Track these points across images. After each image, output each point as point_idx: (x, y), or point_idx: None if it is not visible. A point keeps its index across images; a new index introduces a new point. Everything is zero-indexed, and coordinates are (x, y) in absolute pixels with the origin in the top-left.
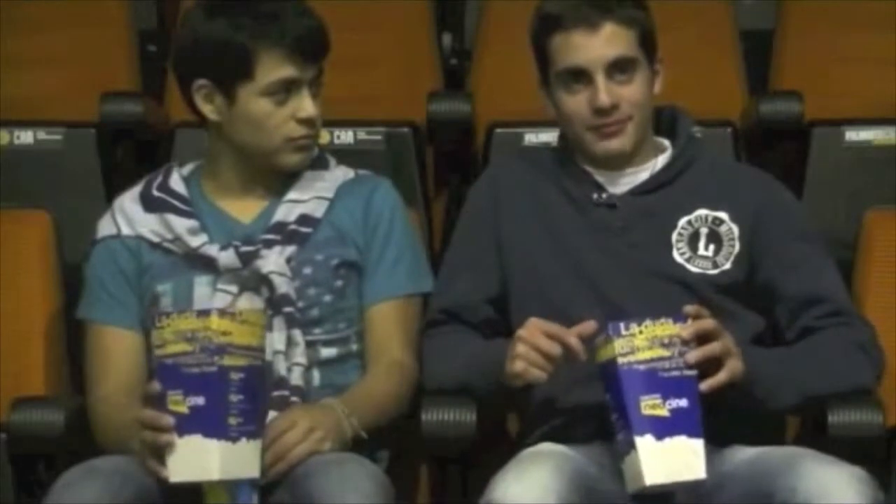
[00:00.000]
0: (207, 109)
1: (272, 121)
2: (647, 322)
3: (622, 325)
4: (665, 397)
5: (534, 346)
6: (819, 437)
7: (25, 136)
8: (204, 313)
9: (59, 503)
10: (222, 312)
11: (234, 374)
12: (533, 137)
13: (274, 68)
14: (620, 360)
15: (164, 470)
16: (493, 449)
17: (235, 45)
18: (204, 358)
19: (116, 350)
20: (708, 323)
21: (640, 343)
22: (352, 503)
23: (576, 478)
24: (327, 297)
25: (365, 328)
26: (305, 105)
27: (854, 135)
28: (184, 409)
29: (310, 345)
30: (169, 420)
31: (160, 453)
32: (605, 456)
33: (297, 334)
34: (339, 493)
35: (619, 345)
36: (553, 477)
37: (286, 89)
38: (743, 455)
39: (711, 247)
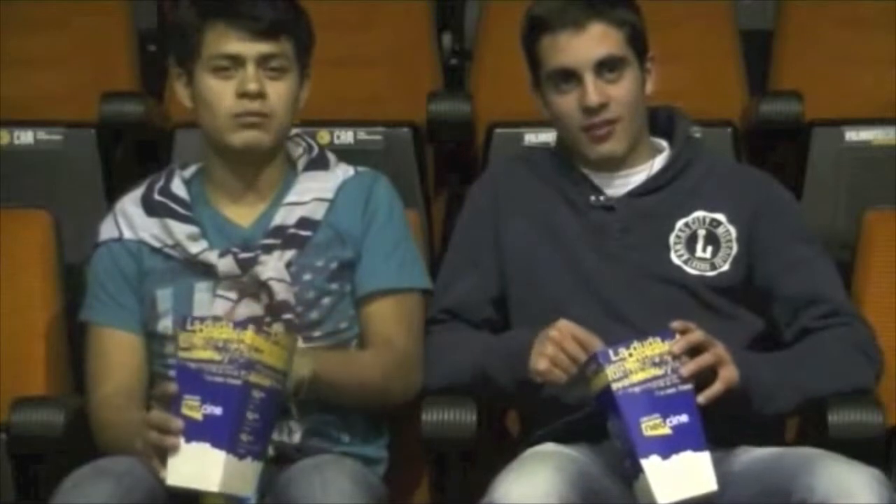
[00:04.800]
0: (183, 95)
1: (217, 96)
2: (635, 344)
3: (610, 351)
4: (665, 416)
5: (562, 348)
6: (819, 438)
7: (25, 136)
8: (240, 326)
9: (69, 503)
10: (259, 329)
11: (256, 392)
12: (533, 137)
13: (215, 42)
14: (615, 387)
15: (164, 471)
16: (494, 449)
17: (187, 23)
18: (231, 370)
19: (117, 352)
20: (697, 335)
21: (632, 366)
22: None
23: (577, 478)
24: (326, 300)
25: (362, 323)
26: (247, 80)
27: (854, 135)
28: (198, 415)
29: None
30: (178, 424)
31: (163, 455)
32: (606, 456)
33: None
34: (321, 496)
35: (611, 372)
36: (554, 477)
37: (231, 66)
38: (752, 455)
39: (709, 248)
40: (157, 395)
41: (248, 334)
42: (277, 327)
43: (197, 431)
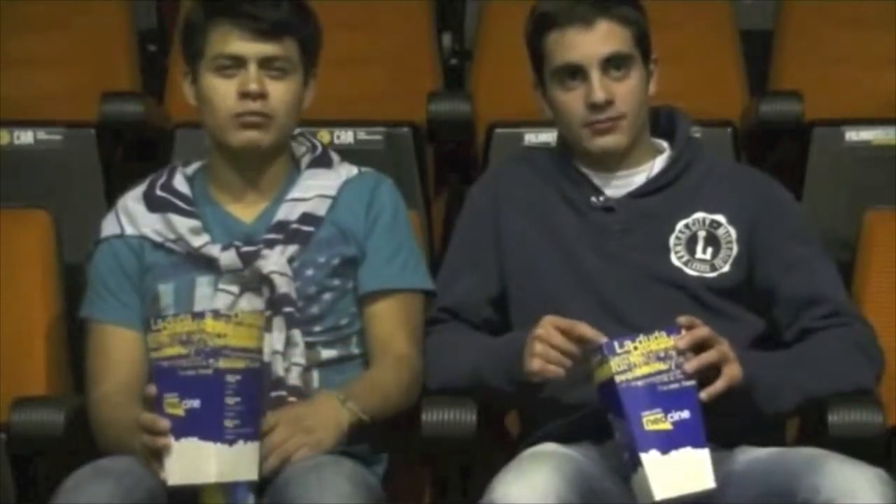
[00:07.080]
0: (188, 93)
1: (219, 95)
2: (641, 337)
3: (616, 343)
4: (666, 411)
5: (550, 343)
6: (819, 437)
7: (25, 136)
8: (199, 316)
9: (71, 503)
10: (217, 315)
11: (229, 377)
12: (533, 137)
13: (219, 42)
14: (618, 379)
15: (163, 472)
16: (494, 449)
17: (193, 23)
18: (199, 361)
19: (117, 349)
20: (702, 331)
21: (636, 359)
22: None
23: (576, 478)
24: (327, 296)
25: (365, 322)
26: (249, 80)
27: (854, 135)
28: (180, 411)
29: (310, 346)
30: (165, 424)
31: (159, 456)
32: (605, 456)
33: (297, 334)
34: (317, 496)
35: (615, 363)
36: (553, 477)
37: (234, 65)
38: (753, 455)
39: (709, 250)
40: (144, 397)
41: (208, 322)
42: (243, 304)
43: (183, 428)
